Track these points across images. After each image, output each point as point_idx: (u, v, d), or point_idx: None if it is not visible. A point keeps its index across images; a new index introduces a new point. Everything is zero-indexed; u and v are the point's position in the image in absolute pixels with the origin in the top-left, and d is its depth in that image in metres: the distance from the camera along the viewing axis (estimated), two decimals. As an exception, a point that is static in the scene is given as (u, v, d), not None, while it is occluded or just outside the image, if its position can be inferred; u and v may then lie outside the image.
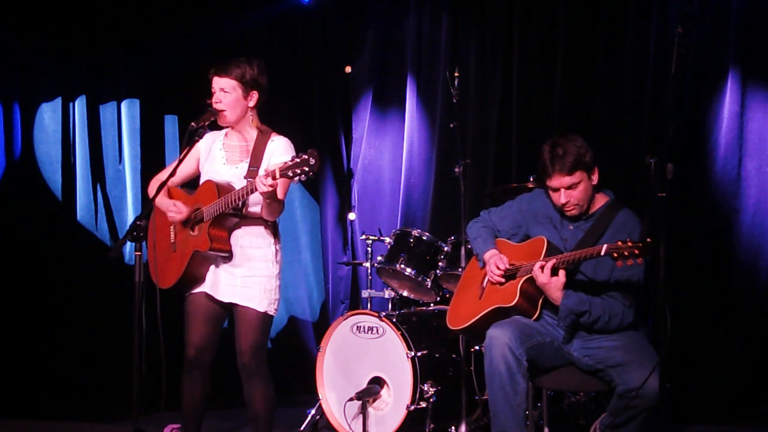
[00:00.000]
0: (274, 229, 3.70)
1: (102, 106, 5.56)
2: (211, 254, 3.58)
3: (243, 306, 3.60)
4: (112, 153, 5.58)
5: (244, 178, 3.57)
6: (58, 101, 5.44)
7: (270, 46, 5.82)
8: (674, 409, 4.59)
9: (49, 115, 5.44)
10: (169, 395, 3.46)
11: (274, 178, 3.30)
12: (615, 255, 3.14)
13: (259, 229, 3.65)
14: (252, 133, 3.69)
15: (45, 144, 5.43)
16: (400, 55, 5.68)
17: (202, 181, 3.71)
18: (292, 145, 3.69)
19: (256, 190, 3.35)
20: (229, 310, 3.70)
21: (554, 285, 3.39)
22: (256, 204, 3.60)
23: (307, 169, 3.22)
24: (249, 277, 3.60)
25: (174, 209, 3.64)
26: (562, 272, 3.39)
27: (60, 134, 5.43)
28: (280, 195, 3.53)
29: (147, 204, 3.44)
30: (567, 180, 3.47)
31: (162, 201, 3.68)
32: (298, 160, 3.24)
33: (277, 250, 3.69)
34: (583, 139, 3.55)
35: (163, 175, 3.71)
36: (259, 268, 3.62)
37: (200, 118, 3.53)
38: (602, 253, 3.21)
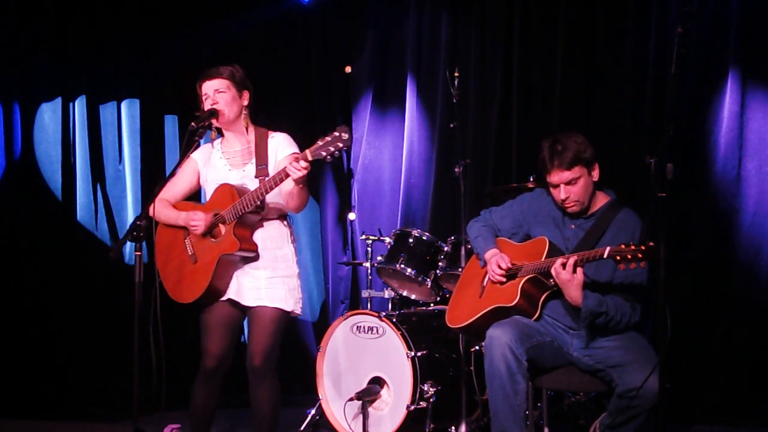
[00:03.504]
0: (290, 229, 3.71)
1: (102, 106, 5.56)
2: (239, 255, 3.54)
3: (263, 307, 3.57)
4: (112, 153, 5.57)
5: (255, 177, 3.57)
6: (58, 101, 5.44)
7: (270, 46, 5.83)
8: (674, 409, 4.59)
9: (49, 115, 5.44)
10: (169, 395, 3.46)
11: (306, 161, 3.28)
12: (618, 258, 3.14)
13: (278, 229, 3.66)
14: (248, 135, 3.70)
15: (45, 144, 5.43)
16: (400, 55, 5.68)
17: (209, 190, 3.68)
18: (292, 139, 3.71)
19: (288, 176, 3.33)
20: (246, 314, 3.67)
21: (576, 283, 3.34)
22: (273, 202, 3.59)
23: (341, 144, 3.22)
24: (273, 278, 3.59)
25: (195, 220, 3.56)
26: (580, 270, 3.34)
27: (60, 134, 5.43)
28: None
29: (148, 223, 3.31)
30: (566, 175, 3.47)
31: (171, 214, 3.64)
32: (329, 138, 3.24)
33: (295, 249, 3.70)
34: (583, 137, 3.55)
35: (164, 195, 3.69)
36: (281, 269, 3.62)
37: (200, 118, 3.54)
38: (605, 256, 3.20)
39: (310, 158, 3.27)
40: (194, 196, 3.85)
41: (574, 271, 3.33)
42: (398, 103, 5.68)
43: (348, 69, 5.85)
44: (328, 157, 3.25)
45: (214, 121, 3.60)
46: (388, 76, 5.76)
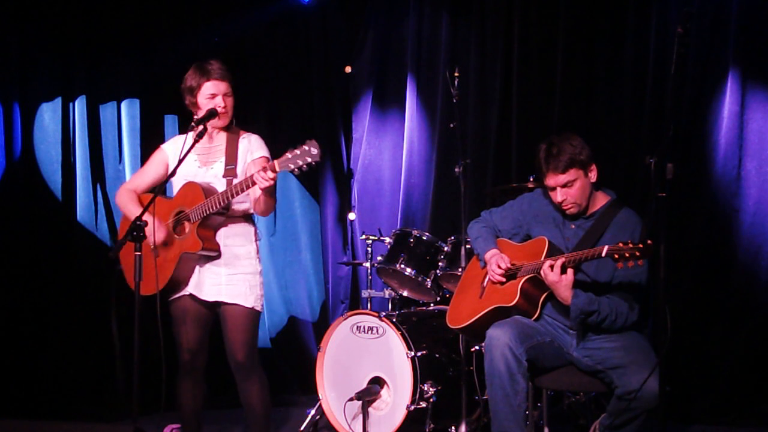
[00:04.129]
0: (253, 227, 3.73)
1: (102, 106, 5.55)
2: (202, 254, 3.57)
3: (230, 304, 3.60)
4: (112, 153, 5.57)
5: (223, 177, 3.59)
6: (58, 101, 5.43)
7: (270, 46, 5.82)
8: (674, 409, 4.59)
9: (49, 115, 5.44)
10: (169, 395, 3.46)
11: (274, 172, 3.29)
12: (616, 256, 3.14)
13: (241, 228, 3.67)
14: (222, 134, 3.71)
15: (45, 144, 5.42)
16: (400, 55, 5.68)
17: (177, 184, 3.69)
18: (263, 141, 3.72)
19: (254, 185, 3.35)
20: (214, 311, 3.70)
21: (564, 283, 3.37)
22: (239, 202, 3.61)
23: (309, 159, 3.23)
24: (234, 274, 3.61)
25: (156, 230, 3.52)
26: (570, 271, 3.37)
27: (60, 134, 5.42)
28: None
29: (140, 216, 3.31)
30: (561, 178, 3.49)
31: (133, 211, 3.60)
32: (297, 151, 3.24)
33: (257, 247, 3.72)
34: (581, 138, 3.56)
35: (131, 185, 3.73)
36: (243, 266, 3.64)
37: (200, 118, 3.54)
38: (603, 254, 3.21)
39: (277, 169, 3.29)
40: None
41: (564, 272, 3.36)
42: (398, 103, 5.69)
43: (348, 69, 5.86)
44: (296, 170, 3.26)
45: (213, 121, 3.61)
46: (388, 76, 5.77)
